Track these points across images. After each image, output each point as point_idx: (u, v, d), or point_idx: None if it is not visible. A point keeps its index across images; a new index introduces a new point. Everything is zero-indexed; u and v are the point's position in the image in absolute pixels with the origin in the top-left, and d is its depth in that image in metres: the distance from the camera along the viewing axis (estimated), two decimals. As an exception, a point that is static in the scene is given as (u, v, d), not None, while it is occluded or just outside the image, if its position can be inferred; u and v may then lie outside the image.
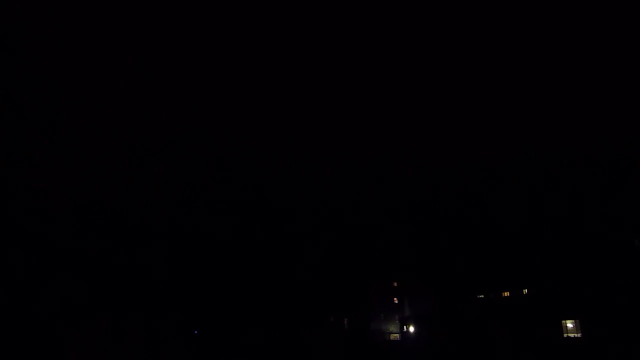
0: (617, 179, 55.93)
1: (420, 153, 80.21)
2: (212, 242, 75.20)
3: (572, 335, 33.52)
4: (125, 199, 70.92)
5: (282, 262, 75.70)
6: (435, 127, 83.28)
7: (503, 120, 77.66)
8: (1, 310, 45.67)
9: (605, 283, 33.56)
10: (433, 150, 79.76)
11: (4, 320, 45.31)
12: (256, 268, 74.79)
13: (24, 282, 49.01)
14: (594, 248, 38.02)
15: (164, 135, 79.82)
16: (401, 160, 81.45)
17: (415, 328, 53.04)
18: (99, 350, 48.67)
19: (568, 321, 34.01)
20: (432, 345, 47.43)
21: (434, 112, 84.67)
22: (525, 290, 43.93)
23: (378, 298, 62.67)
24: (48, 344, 45.99)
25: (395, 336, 59.91)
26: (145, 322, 54.44)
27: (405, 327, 55.91)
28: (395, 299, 63.18)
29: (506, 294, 46.75)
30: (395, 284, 64.16)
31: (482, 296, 50.92)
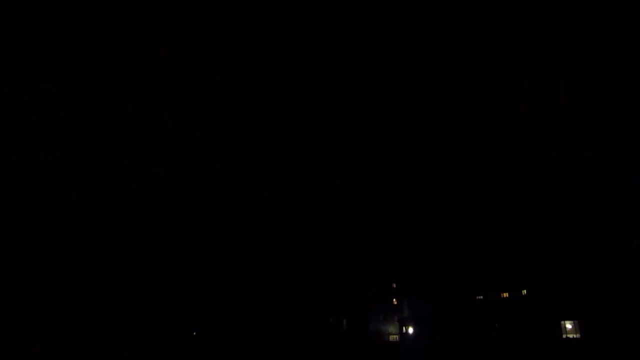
0: (615, 179, 55.99)
1: (419, 155, 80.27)
2: (211, 242, 75.16)
3: (571, 336, 33.53)
4: (125, 198, 70.85)
5: (281, 263, 75.70)
6: (434, 129, 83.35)
7: (502, 122, 77.73)
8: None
9: (604, 284, 33.55)
10: (432, 152, 79.81)
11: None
12: (255, 269, 74.79)
13: (19, 281, 49.02)
14: (592, 249, 38.01)
15: (164, 134, 79.77)
16: (400, 162, 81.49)
17: (415, 329, 53.02)
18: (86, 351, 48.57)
19: (567, 322, 34.03)
20: (431, 346, 47.41)
21: (432, 114, 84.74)
22: (524, 291, 43.91)
23: (377, 299, 62.64)
24: (25, 345, 46.04)
25: (394, 337, 59.91)
26: (144, 323, 54.35)
27: (404, 328, 55.90)
28: (394, 299, 63.17)
29: (505, 294, 46.73)
30: (395, 285, 64.16)
31: (481, 297, 50.89)
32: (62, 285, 52.63)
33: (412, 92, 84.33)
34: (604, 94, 67.87)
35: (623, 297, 30.78)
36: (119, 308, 54.67)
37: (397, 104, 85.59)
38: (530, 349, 35.77)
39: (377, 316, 61.75)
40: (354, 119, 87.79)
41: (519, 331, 37.55)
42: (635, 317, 29.33)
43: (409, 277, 65.34)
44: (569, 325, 33.90)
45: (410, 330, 53.77)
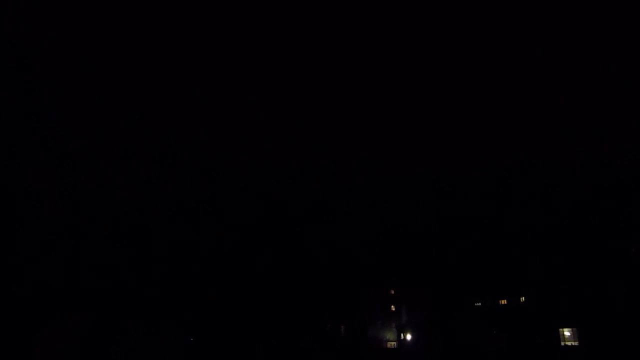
0: (614, 186, 56.09)
1: (418, 161, 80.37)
2: (208, 248, 74.98)
3: (569, 343, 33.43)
4: (123, 202, 70.69)
5: (278, 269, 75.52)
6: (433, 135, 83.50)
7: (500, 129, 77.95)
8: None
9: (602, 291, 33.51)
10: (431, 159, 79.91)
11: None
12: (253, 275, 74.56)
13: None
14: (591, 256, 38.00)
15: (163, 137, 79.73)
16: (399, 169, 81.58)
17: (413, 335, 52.83)
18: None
19: (565, 329, 33.94)
20: (429, 353, 47.22)
21: (432, 120, 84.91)
22: (523, 298, 43.83)
23: (375, 305, 62.47)
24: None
25: (392, 343, 59.69)
26: (140, 329, 54.07)
27: (402, 334, 55.69)
28: (392, 306, 62.99)
29: (503, 301, 46.65)
30: (393, 292, 64.03)
31: (479, 304, 50.81)
32: (60, 284, 52.65)
33: (409, 99, 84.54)
34: (605, 99, 68.15)
35: (621, 305, 30.73)
36: (116, 314, 54.46)
37: (395, 111, 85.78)
38: (528, 356, 35.64)
39: (375, 322, 61.54)
40: (355, 126, 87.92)
41: (517, 338, 37.44)
42: (634, 324, 29.27)
43: (407, 283, 65.24)
44: (567, 333, 33.81)
45: (409, 336, 53.57)
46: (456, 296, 58.79)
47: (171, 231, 73.51)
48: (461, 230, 69.79)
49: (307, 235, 79.00)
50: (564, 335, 33.92)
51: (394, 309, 62.69)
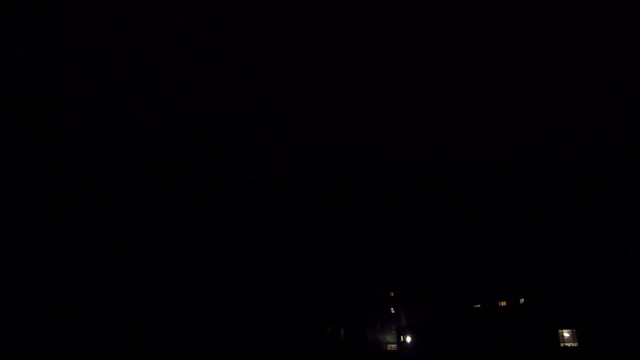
0: (612, 188, 56.18)
1: (416, 164, 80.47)
2: (208, 251, 74.91)
3: (568, 344, 33.41)
4: (120, 205, 70.69)
5: (277, 271, 75.43)
6: (431, 138, 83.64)
7: (498, 133, 78.13)
8: None
9: (601, 292, 33.53)
10: (430, 162, 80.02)
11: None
12: (252, 277, 74.47)
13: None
14: (589, 257, 38.03)
15: (161, 140, 79.80)
16: (397, 170, 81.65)
17: (412, 338, 52.75)
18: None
19: (565, 330, 33.92)
20: (429, 355, 47.14)
21: (430, 123, 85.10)
22: (522, 300, 43.84)
23: (375, 308, 62.42)
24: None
25: (392, 346, 59.59)
26: (141, 333, 54.01)
27: (402, 337, 55.61)
28: (392, 308, 62.93)
29: (503, 303, 46.65)
30: (392, 294, 63.99)
31: (479, 306, 50.79)
32: (60, 283, 52.69)
33: (410, 104, 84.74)
34: (602, 101, 68.34)
35: (621, 306, 30.74)
36: (116, 315, 54.41)
37: (394, 115, 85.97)
38: (527, 358, 35.60)
39: (375, 325, 61.47)
40: (354, 128, 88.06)
41: (516, 340, 37.40)
42: (633, 325, 29.27)
43: (406, 286, 65.22)
44: (566, 334, 33.79)
45: (408, 339, 53.50)
46: (455, 298, 58.77)
47: (172, 233, 73.49)
48: (460, 233, 69.81)
49: (306, 238, 78.96)
50: (563, 336, 33.91)
51: (393, 312, 62.64)
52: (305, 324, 70.50)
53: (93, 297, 54.34)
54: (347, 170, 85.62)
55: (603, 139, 66.21)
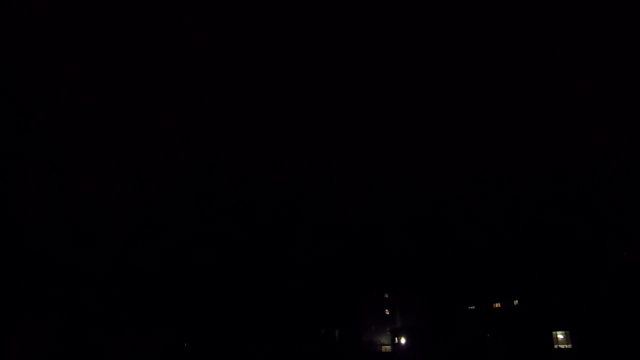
0: (606, 192, 56.53)
1: (412, 167, 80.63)
2: (203, 253, 74.67)
3: (562, 346, 33.51)
4: (118, 206, 70.33)
5: (273, 274, 75.30)
6: (428, 141, 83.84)
7: (494, 135, 78.41)
8: None
9: (595, 294, 33.68)
10: (425, 165, 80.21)
11: None
12: (247, 280, 74.29)
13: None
14: (584, 259, 38.21)
15: (161, 138, 79.52)
16: (393, 173, 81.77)
17: (407, 339, 52.75)
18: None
19: (559, 332, 34.02)
20: (423, 356, 47.16)
21: (429, 125, 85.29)
22: (516, 302, 43.97)
23: (369, 310, 62.35)
24: None
25: (386, 348, 59.55)
26: (135, 335, 53.66)
27: (396, 338, 55.60)
28: (386, 310, 62.91)
29: (497, 305, 46.76)
30: (387, 296, 63.97)
31: (473, 307, 50.90)
32: (40, 286, 52.33)
33: (407, 105, 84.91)
34: (601, 103, 68.79)
35: (614, 308, 30.88)
36: (111, 320, 54.06)
37: (391, 116, 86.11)
38: (521, 359, 35.68)
39: (370, 327, 61.41)
40: (352, 130, 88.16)
41: (510, 341, 37.48)
42: (626, 327, 29.41)
43: (401, 288, 65.24)
44: (560, 336, 33.88)
45: (403, 340, 53.49)
46: (450, 300, 58.88)
47: (166, 235, 73.20)
48: (455, 234, 69.99)
49: (301, 240, 78.89)
50: (557, 338, 34.00)
51: (388, 313, 62.61)
52: (300, 326, 70.36)
53: (77, 300, 53.97)
54: (342, 175, 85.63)
55: (597, 145, 66.65)
